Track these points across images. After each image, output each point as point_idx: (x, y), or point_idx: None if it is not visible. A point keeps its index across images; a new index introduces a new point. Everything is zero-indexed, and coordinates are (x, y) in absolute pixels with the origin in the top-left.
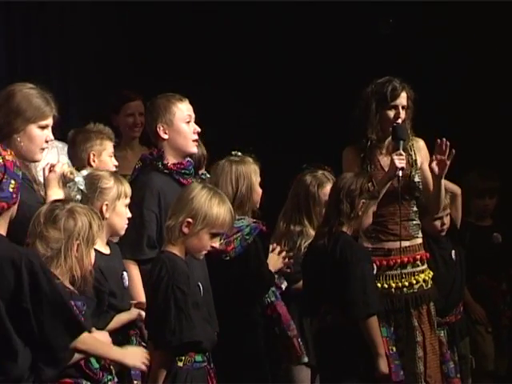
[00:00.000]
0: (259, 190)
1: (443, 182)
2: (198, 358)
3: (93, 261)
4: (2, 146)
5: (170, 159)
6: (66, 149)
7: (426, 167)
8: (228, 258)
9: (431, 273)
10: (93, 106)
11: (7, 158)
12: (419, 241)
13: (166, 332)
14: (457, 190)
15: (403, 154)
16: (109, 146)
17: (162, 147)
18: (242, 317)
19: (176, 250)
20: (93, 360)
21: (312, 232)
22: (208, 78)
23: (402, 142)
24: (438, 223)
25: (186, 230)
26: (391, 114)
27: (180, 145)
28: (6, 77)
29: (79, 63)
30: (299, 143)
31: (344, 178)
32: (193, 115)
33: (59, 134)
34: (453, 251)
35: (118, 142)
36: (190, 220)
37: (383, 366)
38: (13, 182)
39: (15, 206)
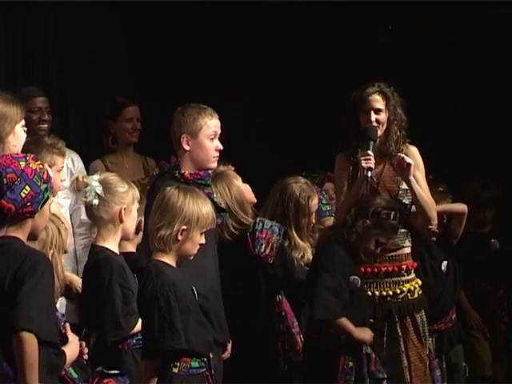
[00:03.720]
0: (249, 199)
1: (414, 186)
2: (195, 363)
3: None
4: (33, 157)
5: (187, 169)
6: (71, 155)
7: (415, 175)
8: (271, 261)
9: (419, 282)
10: (92, 108)
11: (31, 165)
12: (406, 250)
13: (149, 341)
14: (463, 209)
15: (371, 154)
16: (59, 162)
17: (180, 157)
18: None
19: (166, 258)
20: (71, 370)
21: (300, 242)
22: (205, 83)
23: (371, 143)
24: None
25: (181, 237)
26: (364, 118)
27: (200, 159)
28: (5, 78)
29: (79, 65)
30: (296, 149)
31: (368, 196)
32: (218, 131)
33: (60, 137)
34: (444, 262)
35: (114, 149)
36: (184, 227)
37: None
38: (27, 188)
39: (40, 220)
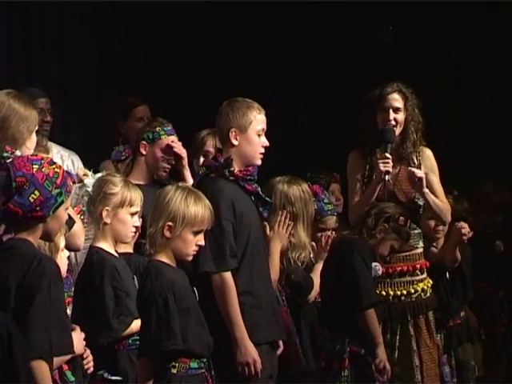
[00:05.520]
0: None
1: (429, 197)
2: (194, 364)
3: (64, 267)
4: (49, 161)
5: (236, 166)
6: (71, 156)
7: (430, 178)
8: None
9: (430, 282)
10: (93, 109)
11: (44, 169)
12: (419, 250)
13: (146, 340)
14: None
15: (389, 157)
16: None
17: (229, 153)
18: None
19: (163, 257)
20: (68, 373)
21: (302, 238)
22: (206, 83)
23: (389, 145)
24: (431, 223)
25: (168, 233)
26: (382, 116)
27: (247, 154)
28: (5, 78)
29: (79, 65)
30: (298, 148)
31: (384, 203)
32: (265, 128)
33: (60, 137)
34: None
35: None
36: (170, 224)
37: (381, 353)
38: (36, 192)
39: (53, 224)
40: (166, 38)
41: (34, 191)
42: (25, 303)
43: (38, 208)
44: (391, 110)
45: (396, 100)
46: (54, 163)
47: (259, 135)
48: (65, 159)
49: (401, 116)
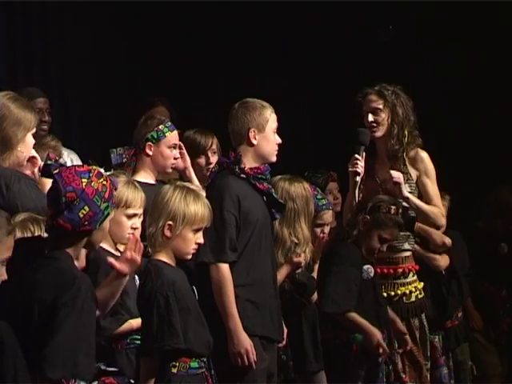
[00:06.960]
0: None
1: (411, 202)
2: (194, 364)
3: None
4: (97, 174)
5: (248, 164)
6: (70, 155)
7: (423, 181)
8: None
9: (419, 285)
10: (93, 108)
11: (93, 184)
12: (405, 253)
13: (148, 340)
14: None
15: (359, 158)
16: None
17: (241, 151)
18: None
19: (163, 257)
20: None
21: (306, 234)
22: (207, 83)
23: (362, 148)
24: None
25: (168, 233)
26: (365, 119)
27: (265, 152)
28: (5, 78)
29: (79, 65)
30: (297, 147)
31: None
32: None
33: (60, 137)
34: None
35: None
36: (170, 223)
37: (375, 339)
38: (86, 208)
39: (97, 235)
40: (165, 38)
41: (83, 207)
42: (56, 321)
43: (86, 223)
44: (370, 113)
45: (373, 102)
46: (102, 175)
47: (274, 133)
48: (64, 158)
49: (381, 116)
